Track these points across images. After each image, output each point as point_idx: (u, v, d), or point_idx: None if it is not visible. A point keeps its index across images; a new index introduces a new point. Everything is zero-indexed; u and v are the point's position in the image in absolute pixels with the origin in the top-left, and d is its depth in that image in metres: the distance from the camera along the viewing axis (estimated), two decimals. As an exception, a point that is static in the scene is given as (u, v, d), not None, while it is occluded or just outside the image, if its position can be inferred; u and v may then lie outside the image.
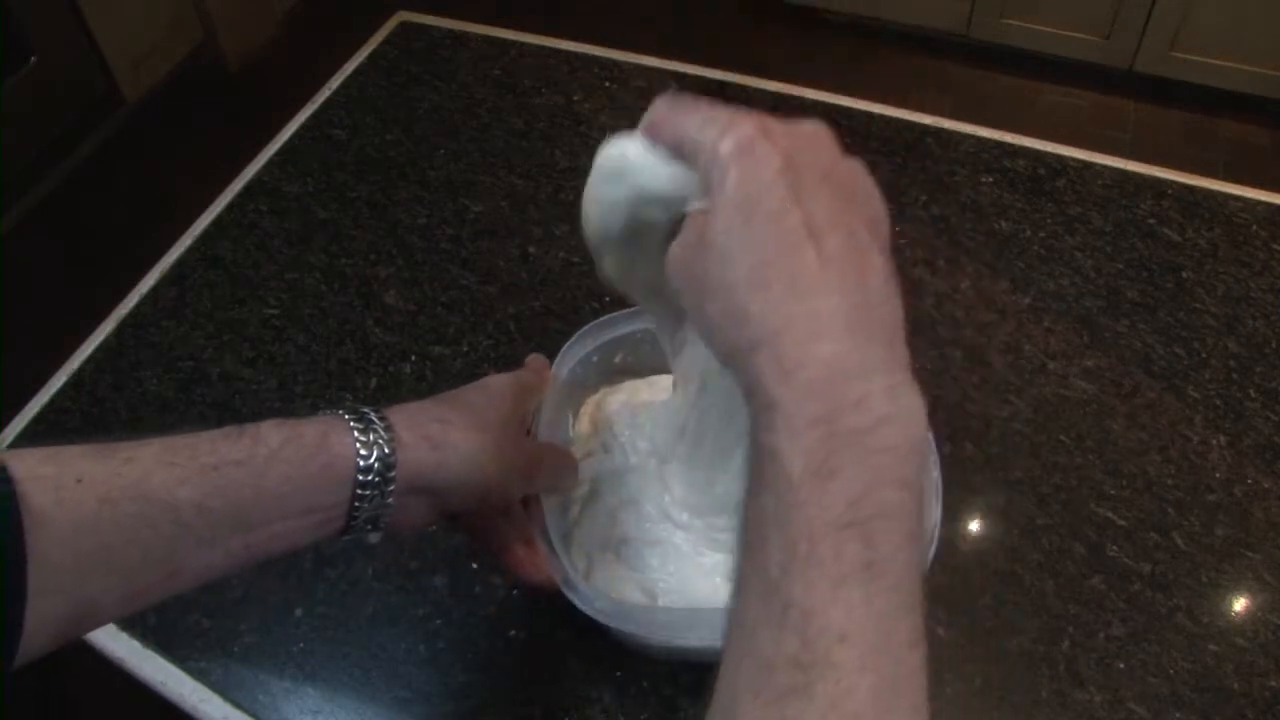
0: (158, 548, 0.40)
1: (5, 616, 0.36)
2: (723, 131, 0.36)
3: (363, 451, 0.44)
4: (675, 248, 0.37)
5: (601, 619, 0.54)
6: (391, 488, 0.45)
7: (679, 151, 0.38)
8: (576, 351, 0.67)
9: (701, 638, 0.56)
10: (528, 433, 0.57)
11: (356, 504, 0.45)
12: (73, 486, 0.38)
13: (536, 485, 0.54)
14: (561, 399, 0.65)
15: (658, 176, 0.39)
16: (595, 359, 0.69)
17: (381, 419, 0.46)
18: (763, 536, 0.33)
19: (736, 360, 0.35)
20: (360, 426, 0.45)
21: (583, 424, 0.69)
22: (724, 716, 0.32)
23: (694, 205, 0.37)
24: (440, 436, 0.47)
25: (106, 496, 0.39)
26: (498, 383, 0.54)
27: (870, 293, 0.35)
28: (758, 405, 0.35)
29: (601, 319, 0.67)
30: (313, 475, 0.43)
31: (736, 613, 0.33)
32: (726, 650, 0.33)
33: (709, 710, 0.33)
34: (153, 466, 0.40)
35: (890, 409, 0.35)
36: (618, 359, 0.71)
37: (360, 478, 0.44)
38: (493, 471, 0.49)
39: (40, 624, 0.37)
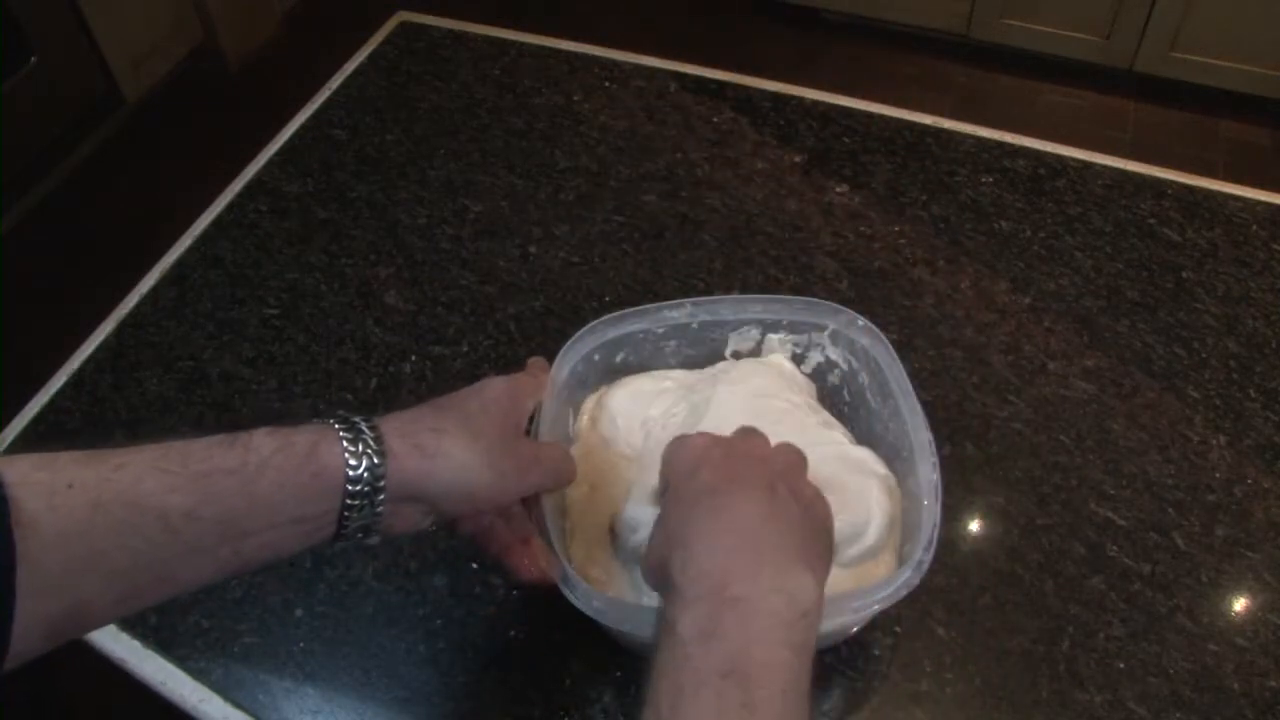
0: (148, 553, 0.40)
1: None
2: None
3: (351, 461, 0.45)
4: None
5: (598, 618, 0.54)
6: (382, 497, 0.46)
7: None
8: (578, 350, 0.67)
9: None
10: (527, 433, 0.57)
11: (346, 513, 0.45)
12: (64, 492, 0.39)
13: (533, 485, 0.54)
14: (563, 398, 0.65)
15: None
16: (597, 358, 0.69)
17: (372, 428, 0.46)
18: (656, 688, 0.41)
19: (663, 574, 0.46)
20: (350, 436, 0.45)
21: (583, 421, 0.69)
22: None
23: None
24: (432, 445, 0.47)
25: (98, 502, 0.39)
26: (495, 387, 0.54)
27: (777, 515, 0.47)
28: (665, 597, 0.45)
29: (603, 318, 0.68)
30: (303, 485, 0.44)
31: None
32: None
33: None
34: (144, 473, 0.41)
35: (777, 584, 0.43)
36: (619, 358, 0.71)
37: (350, 487, 0.45)
38: (485, 477, 0.49)
39: (30, 626, 0.37)
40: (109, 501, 0.39)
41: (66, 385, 0.83)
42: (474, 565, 0.70)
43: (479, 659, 0.66)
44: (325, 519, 0.45)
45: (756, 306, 0.70)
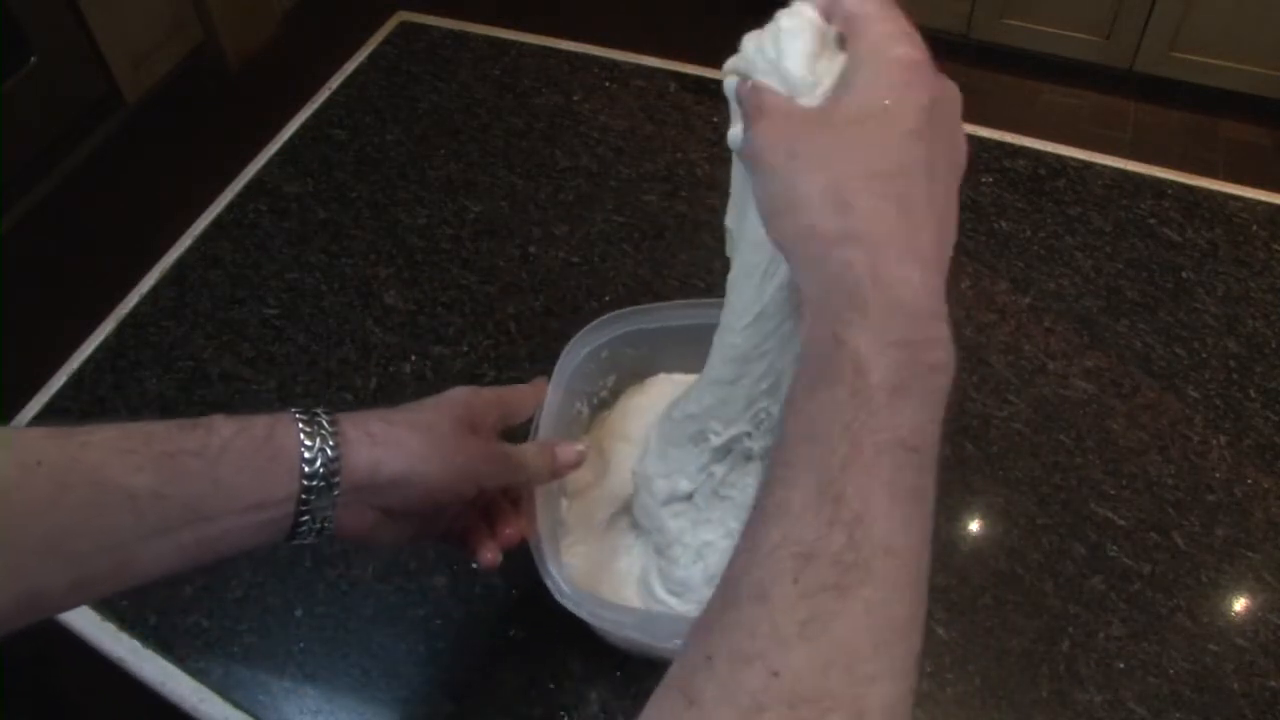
0: (110, 534, 0.40)
1: None
2: (896, 39, 0.38)
3: (307, 443, 0.44)
4: (795, 108, 0.39)
5: (568, 605, 0.54)
6: (337, 487, 0.45)
7: (846, 25, 0.40)
8: (579, 349, 0.67)
9: (664, 641, 0.56)
10: (526, 437, 0.57)
11: (304, 499, 0.45)
12: (33, 469, 0.38)
13: (488, 479, 0.53)
14: (572, 388, 0.66)
15: (797, 53, 0.40)
16: (605, 354, 0.69)
17: (329, 416, 0.46)
18: (826, 431, 0.33)
19: (813, 244, 0.36)
20: (305, 420, 0.45)
21: (601, 415, 0.69)
22: (755, 595, 0.32)
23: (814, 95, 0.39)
24: (382, 434, 0.47)
25: (63, 481, 0.38)
26: (454, 392, 0.54)
27: (947, 243, 0.36)
28: (840, 299, 0.35)
29: (604, 317, 0.68)
30: (261, 467, 0.43)
31: (779, 495, 0.33)
32: (759, 528, 0.33)
33: (730, 580, 0.33)
34: (110, 453, 0.40)
35: (947, 358, 0.35)
36: (629, 352, 0.71)
37: (305, 469, 0.44)
38: (435, 468, 0.48)
39: None
40: (75, 481, 0.39)
41: (66, 385, 0.83)
42: (474, 565, 0.70)
43: (479, 659, 0.66)
44: (284, 507, 0.44)
45: None
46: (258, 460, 0.43)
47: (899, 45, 0.38)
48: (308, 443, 0.45)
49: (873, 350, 0.33)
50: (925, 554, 0.33)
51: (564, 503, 0.67)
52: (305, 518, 0.45)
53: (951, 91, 0.39)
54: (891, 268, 0.34)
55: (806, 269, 0.37)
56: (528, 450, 0.57)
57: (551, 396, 0.62)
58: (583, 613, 0.55)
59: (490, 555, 0.55)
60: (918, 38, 0.39)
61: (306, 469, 0.44)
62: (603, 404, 0.73)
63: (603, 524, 0.66)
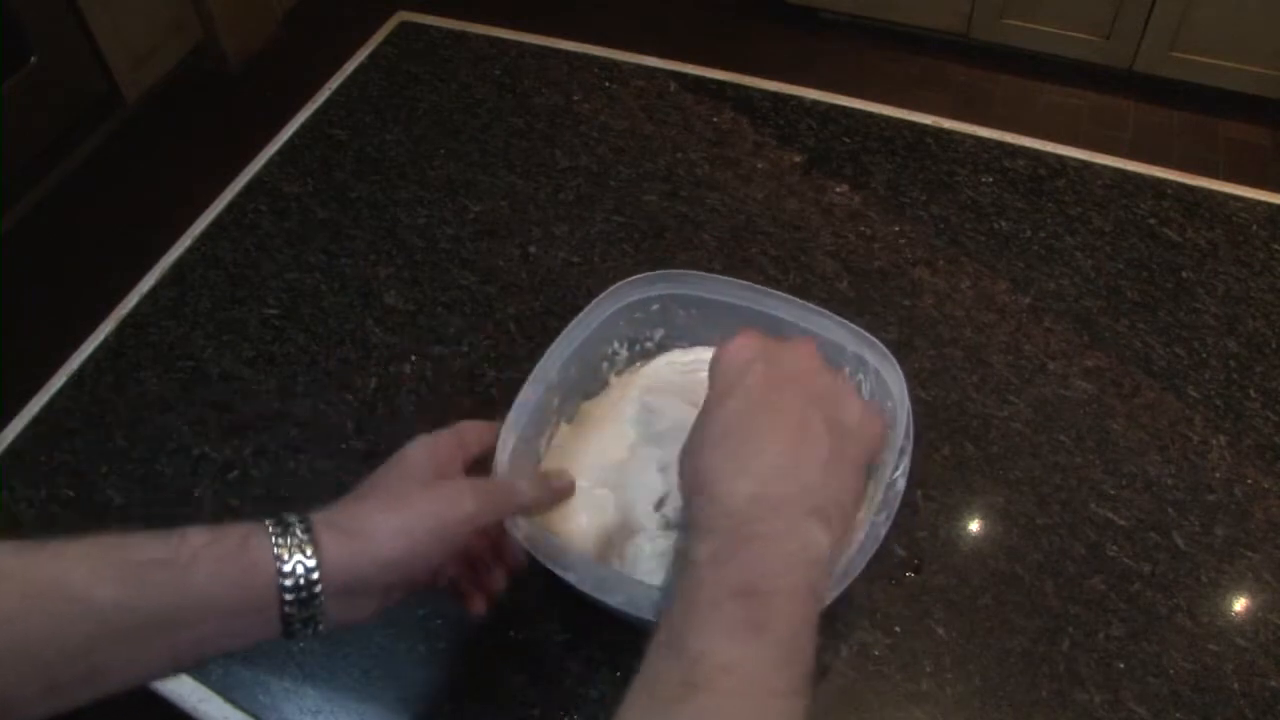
0: (75, 644, 0.40)
1: None
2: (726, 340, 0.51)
3: (283, 555, 0.44)
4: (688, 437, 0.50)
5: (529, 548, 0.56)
6: (319, 591, 0.45)
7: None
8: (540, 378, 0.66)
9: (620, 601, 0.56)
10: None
11: (287, 609, 0.44)
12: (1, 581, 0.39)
13: (475, 516, 0.51)
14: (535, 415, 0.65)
15: None
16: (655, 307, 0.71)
17: (304, 525, 0.46)
18: (669, 610, 0.42)
19: (687, 504, 0.48)
20: (279, 531, 0.45)
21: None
22: (623, 708, 0.40)
23: None
24: (356, 525, 0.47)
25: (28, 592, 0.39)
26: (411, 452, 0.53)
27: (802, 462, 0.46)
28: (689, 533, 0.46)
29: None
30: (237, 579, 0.43)
31: (641, 668, 0.41)
32: (628, 692, 0.40)
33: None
34: (75, 564, 0.41)
35: (795, 528, 0.44)
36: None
37: (284, 582, 0.44)
38: (420, 539, 0.48)
39: None
40: (39, 591, 0.40)
41: (66, 385, 0.83)
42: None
43: (479, 659, 0.66)
44: (267, 614, 0.44)
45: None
46: (232, 571, 0.43)
47: (725, 341, 0.52)
48: (284, 555, 0.44)
49: (698, 545, 0.44)
50: (779, 668, 0.40)
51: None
52: (293, 621, 0.45)
53: (791, 344, 0.52)
54: (721, 490, 0.45)
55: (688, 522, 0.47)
56: (518, 482, 0.57)
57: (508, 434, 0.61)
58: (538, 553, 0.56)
59: (479, 606, 0.57)
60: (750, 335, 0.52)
61: (285, 582, 0.44)
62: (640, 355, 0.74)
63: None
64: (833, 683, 0.64)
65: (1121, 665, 0.65)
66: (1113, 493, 0.73)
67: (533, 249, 0.92)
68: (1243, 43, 2.20)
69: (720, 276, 0.70)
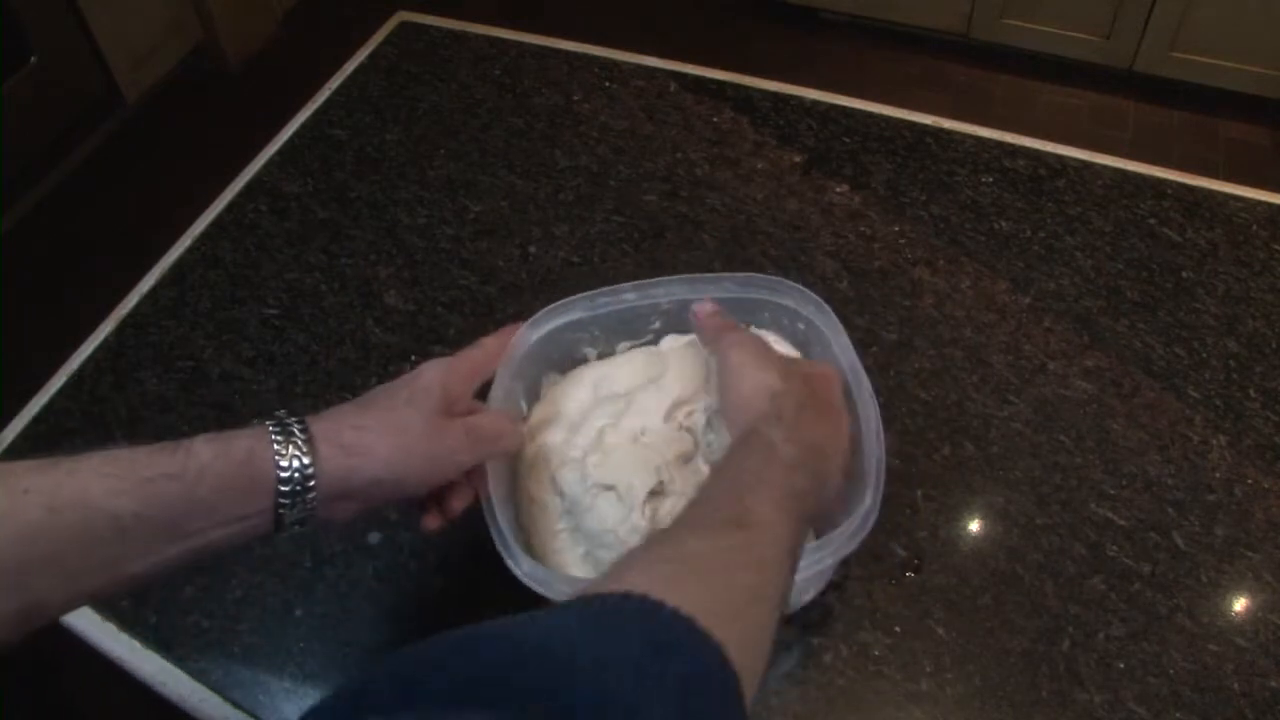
0: (100, 553, 0.44)
1: None
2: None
3: (282, 463, 0.48)
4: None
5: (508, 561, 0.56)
6: (312, 493, 0.49)
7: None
8: (542, 325, 0.68)
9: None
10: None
11: (281, 508, 0.49)
12: (21, 496, 0.42)
13: (468, 463, 0.56)
14: (520, 371, 0.67)
15: None
16: (558, 341, 0.71)
17: (303, 429, 0.50)
18: (740, 468, 0.51)
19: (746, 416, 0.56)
20: (281, 438, 0.49)
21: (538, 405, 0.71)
22: (676, 529, 0.48)
23: None
24: (354, 443, 0.51)
25: (52, 505, 0.42)
26: (428, 374, 0.56)
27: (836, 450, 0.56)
28: (759, 440, 0.53)
29: (569, 299, 0.69)
30: (240, 488, 0.47)
31: (698, 498, 0.50)
32: (683, 510, 0.50)
33: (661, 533, 0.48)
34: (93, 479, 0.44)
35: (829, 476, 0.54)
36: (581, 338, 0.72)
37: (281, 486, 0.48)
38: (413, 467, 0.52)
39: None
40: (62, 505, 0.42)
41: (66, 385, 0.83)
42: (473, 565, 0.70)
43: (479, 659, 0.66)
44: (263, 515, 0.48)
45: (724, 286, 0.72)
46: (238, 482, 0.47)
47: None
48: (283, 463, 0.48)
49: (782, 444, 0.52)
50: (794, 535, 0.49)
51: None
52: (284, 516, 0.49)
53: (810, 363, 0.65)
54: (789, 435, 0.53)
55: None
56: (500, 420, 0.59)
57: (500, 377, 0.64)
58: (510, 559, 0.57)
59: (435, 523, 0.58)
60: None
61: (282, 486, 0.48)
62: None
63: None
64: (833, 683, 0.64)
65: (1121, 665, 0.65)
66: (1113, 493, 0.73)
67: (533, 249, 0.92)
68: (1243, 43, 2.20)
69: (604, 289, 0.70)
